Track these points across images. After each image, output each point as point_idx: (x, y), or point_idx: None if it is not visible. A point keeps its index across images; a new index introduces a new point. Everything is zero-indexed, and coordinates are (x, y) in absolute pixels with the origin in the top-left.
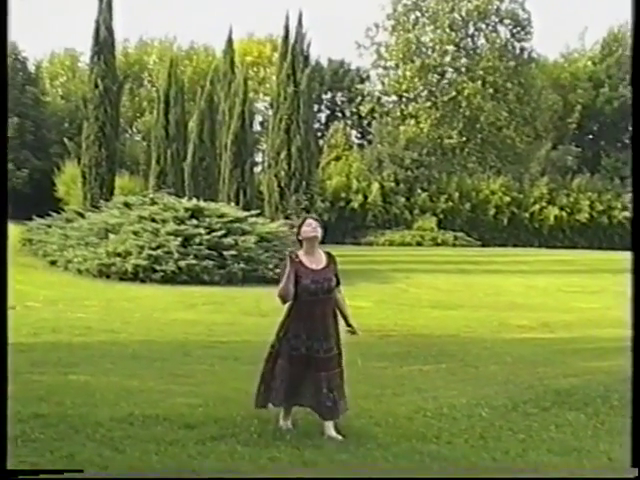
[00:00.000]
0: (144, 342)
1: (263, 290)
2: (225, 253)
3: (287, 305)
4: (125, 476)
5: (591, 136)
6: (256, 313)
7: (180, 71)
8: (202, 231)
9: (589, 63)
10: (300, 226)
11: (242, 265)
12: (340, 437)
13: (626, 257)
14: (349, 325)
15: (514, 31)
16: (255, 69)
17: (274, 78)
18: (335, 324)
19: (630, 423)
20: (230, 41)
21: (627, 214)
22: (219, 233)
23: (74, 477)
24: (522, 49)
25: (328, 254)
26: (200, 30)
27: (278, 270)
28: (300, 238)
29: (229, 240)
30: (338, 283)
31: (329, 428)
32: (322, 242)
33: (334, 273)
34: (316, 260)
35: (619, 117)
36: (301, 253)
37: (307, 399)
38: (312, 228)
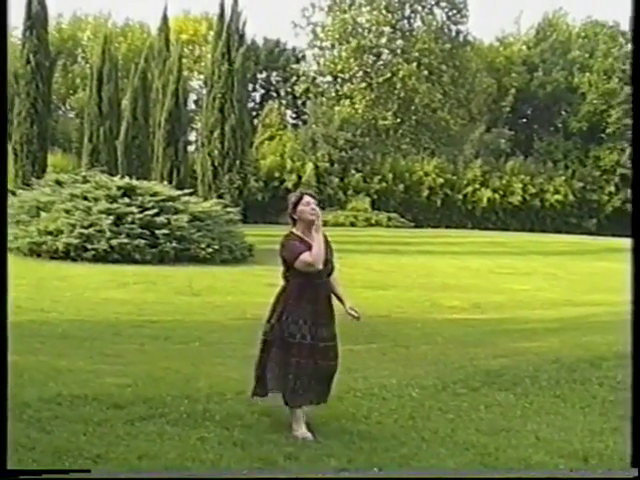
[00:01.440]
0: (74, 321)
1: (195, 269)
2: (157, 232)
3: (281, 289)
4: (125, 476)
5: (524, 120)
6: (188, 292)
7: (114, 48)
8: (134, 210)
9: (524, 47)
10: (296, 203)
11: (174, 244)
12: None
13: (557, 239)
14: (349, 308)
15: (450, 14)
16: (190, 47)
17: (209, 56)
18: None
19: (630, 423)
20: (165, 18)
21: (559, 197)
22: (151, 212)
23: (74, 477)
24: (458, 32)
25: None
26: (135, 7)
27: (210, 249)
28: (295, 217)
29: (161, 219)
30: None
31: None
32: (255, 222)
33: (331, 255)
34: (314, 241)
35: (552, 101)
36: (296, 232)
37: (315, 394)
38: (310, 209)
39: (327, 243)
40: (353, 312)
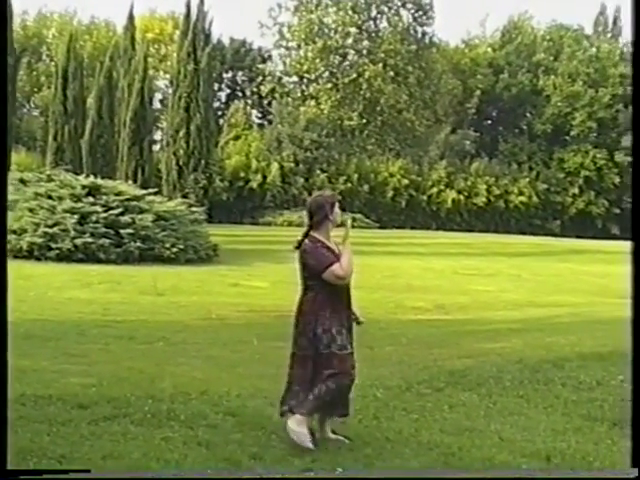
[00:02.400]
0: (37, 321)
1: (160, 269)
2: (122, 231)
3: (309, 298)
4: (126, 476)
5: (489, 121)
6: (152, 292)
7: (80, 46)
8: (99, 209)
9: (489, 49)
10: (333, 205)
11: (139, 244)
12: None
13: (521, 240)
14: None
15: (416, 15)
16: (156, 46)
17: (175, 56)
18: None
19: (630, 423)
20: (131, 17)
21: (523, 198)
22: (116, 211)
23: (75, 477)
24: (424, 33)
25: None
26: (101, 5)
27: (175, 249)
28: (330, 219)
29: (126, 218)
30: None
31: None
32: (219, 222)
33: None
34: (332, 244)
35: (517, 103)
36: (318, 236)
37: (340, 406)
38: (341, 213)
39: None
40: (355, 318)
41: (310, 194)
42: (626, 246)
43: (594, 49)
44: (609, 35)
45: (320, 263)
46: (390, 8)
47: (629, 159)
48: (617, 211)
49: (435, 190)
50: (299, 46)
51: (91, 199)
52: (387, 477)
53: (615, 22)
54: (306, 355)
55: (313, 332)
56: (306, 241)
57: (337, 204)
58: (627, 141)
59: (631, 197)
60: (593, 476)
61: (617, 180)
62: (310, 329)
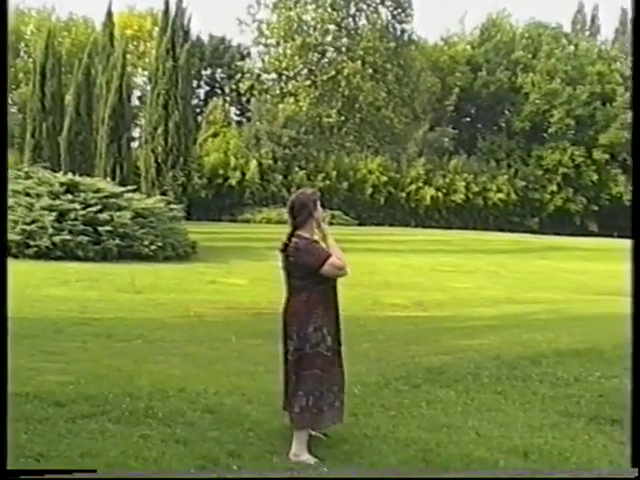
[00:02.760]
0: (15, 319)
1: (138, 266)
2: (100, 229)
3: (302, 298)
4: (126, 476)
5: (468, 119)
6: (130, 290)
7: (58, 43)
8: (77, 206)
9: (468, 47)
10: (315, 202)
11: (117, 241)
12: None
13: (499, 238)
14: None
15: (395, 13)
16: (135, 43)
17: (153, 52)
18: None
19: (630, 423)
20: (110, 14)
21: (502, 195)
22: (94, 208)
23: (76, 477)
24: (402, 31)
25: None
26: (79, 1)
27: (154, 247)
28: (314, 217)
29: (104, 216)
30: None
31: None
32: (198, 219)
33: None
34: (334, 247)
35: (496, 101)
36: (306, 234)
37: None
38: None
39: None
40: None
41: (289, 191)
42: (604, 243)
43: (572, 47)
44: (587, 33)
45: (319, 258)
46: (369, 5)
47: (607, 156)
48: (595, 208)
49: (414, 187)
50: (278, 43)
51: (69, 196)
52: (387, 477)
53: (593, 20)
54: (297, 359)
55: (304, 332)
56: (296, 240)
57: (319, 201)
58: (605, 139)
59: (631, 197)
60: (593, 476)
61: (595, 177)
62: (302, 329)
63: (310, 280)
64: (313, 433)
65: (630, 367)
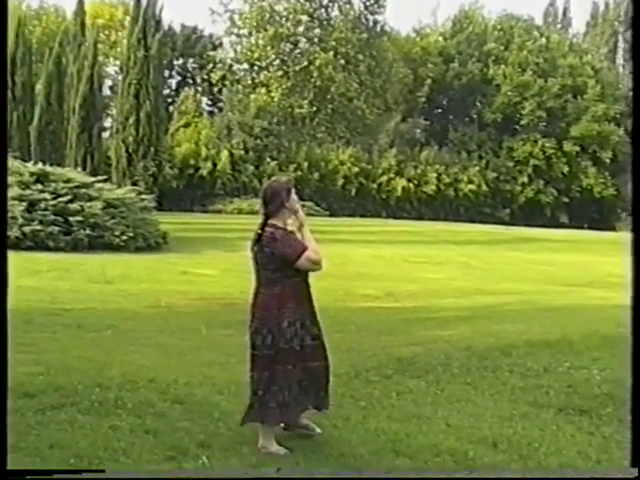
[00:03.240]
0: None
1: (109, 257)
2: (71, 219)
3: (275, 291)
4: (126, 476)
5: (440, 110)
6: (101, 280)
7: (28, 31)
8: (47, 196)
9: (440, 38)
10: (289, 191)
11: (88, 231)
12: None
13: (471, 229)
14: None
15: (367, 3)
16: (106, 32)
17: (125, 42)
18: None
19: (630, 423)
20: (81, 2)
21: (473, 187)
22: (65, 199)
23: (76, 477)
24: (375, 22)
25: None
26: None
27: (125, 237)
28: (287, 206)
29: (75, 206)
30: None
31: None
32: (169, 209)
33: None
34: (310, 238)
35: (467, 92)
36: (281, 224)
37: (310, 400)
38: (296, 199)
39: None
40: None
41: (260, 182)
42: (574, 235)
43: (544, 39)
44: (559, 26)
45: (295, 250)
46: None
47: (577, 149)
48: (566, 200)
49: (385, 178)
50: (250, 33)
51: (40, 186)
52: (387, 477)
53: (565, 13)
54: (269, 354)
55: (278, 327)
56: (271, 230)
57: (293, 190)
58: (576, 131)
59: (632, 192)
60: (593, 476)
61: (566, 169)
62: (276, 324)
63: (283, 272)
64: (305, 422)
65: (630, 368)
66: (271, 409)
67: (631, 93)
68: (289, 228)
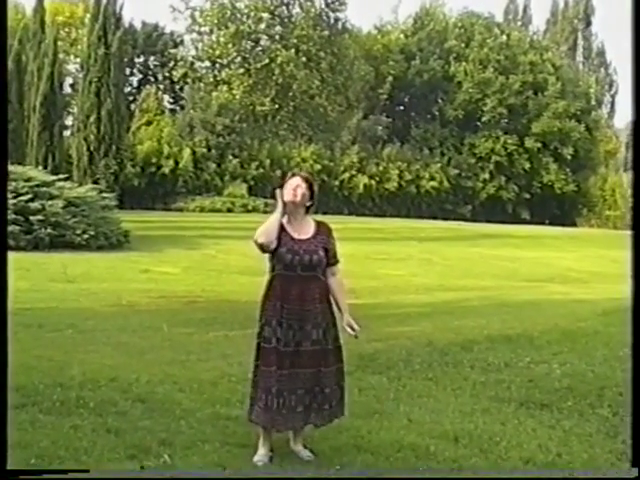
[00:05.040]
0: None
1: (70, 256)
2: (32, 218)
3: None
4: (127, 476)
5: (401, 107)
6: (62, 279)
7: None
8: (8, 195)
9: (401, 36)
10: (283, 183)
11: (49, 230)
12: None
13: (433, 225)
14: (345, 323)
15: (329, 1)
16: (66, 30)
17: (85, 40)
18: (329, 312)
19: (630, 423)
20: (41, 0)
21: (435, 184)
22: (25, 197)
23: (76, 477)
24: (336, 19)
25: (319, 223)
26: None
27: (86, 236)
28: (284, 199)
29: (36, 205)
30: (333, 262)
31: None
32: (131, 208)
33: (325, 247)
34: (301, 229)
35: (429, 89)
36: (284, 219)
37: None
38: (291, 190)
39: (322, 228)
40: (349, 328)
41: (222, 180)
42: (535, 231)
43: (504, 37)
44: (519, 23)
45: None
46: None
47: (539, 145)
48: (527, 196)
49: (347, 175)
50: (211, 31)
51: None
52: (386, 477)
53: (525, 11)
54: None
55: (261, 322)
56: None
57: (299, 183)
58: (537, 127)
59: (632, 189)
60: (593, 476)
61: (527, 165)
62: (260, 319)
63: (270, 263)
64: (299, 448)
65: (630, 368)
66: (261, 409)
67: (591, 90)
68: (284, 223)
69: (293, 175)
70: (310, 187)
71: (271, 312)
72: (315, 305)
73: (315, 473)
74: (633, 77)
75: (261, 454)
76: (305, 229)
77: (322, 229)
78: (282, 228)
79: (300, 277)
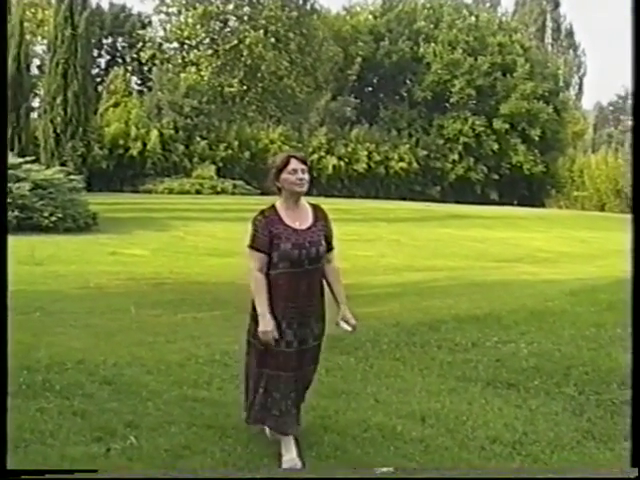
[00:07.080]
0: None
1: (38, 238)
2: None
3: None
4: (126, 476)
5: (370, 88)
6: (30, 262)
7: None
8: None
9: (370, 17)
10: (281, 168)
11: (16, 213)
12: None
13: (401, 206)
14: (341, 317)
15: None
16: (32, 10)
17: (52, 20)
18: (323, 302)
19: (630, 423)
20: None
21: (403, 165)
22: None
23: (76, 477)
24: (305, 0)
25: (314, 207)
26: None
27: (54, 218)
28: (278, 185)
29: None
30: (330, 248)
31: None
32: (99, 190)
33: (324, 234)
34: (300, 216)
35: (398, 70)
36: (279, 204)
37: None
38: (297, 179)
39: (319, 212)
40: (344, 323)
41: (191, 161)
42: (504, 211)
43: (473, 18)
44: (488, 4)
45: None
46: None
47: (507, 126)
48: (496, 177)
49: (315, 157)
50: (179, 12)
51: None
52: (385, 477)
53: None
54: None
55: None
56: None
57: (299, 168)
58: (505, 109)
59: (632, 174)
60: (593, 476)
61: (495, 147)
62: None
63: (267, 258)
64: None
65: (630, 368)
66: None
67: (560, 71)
68: (280, 210)
69: (288, 158)
70: (309, 169)
71: (279, 315)
72: (318, 298)
73: (315, 473)
74: (633, 75)
75: (292, 457)
76: (303, 216)
77: (319, 214)
78: (280, 219)
79: (307, 272)
